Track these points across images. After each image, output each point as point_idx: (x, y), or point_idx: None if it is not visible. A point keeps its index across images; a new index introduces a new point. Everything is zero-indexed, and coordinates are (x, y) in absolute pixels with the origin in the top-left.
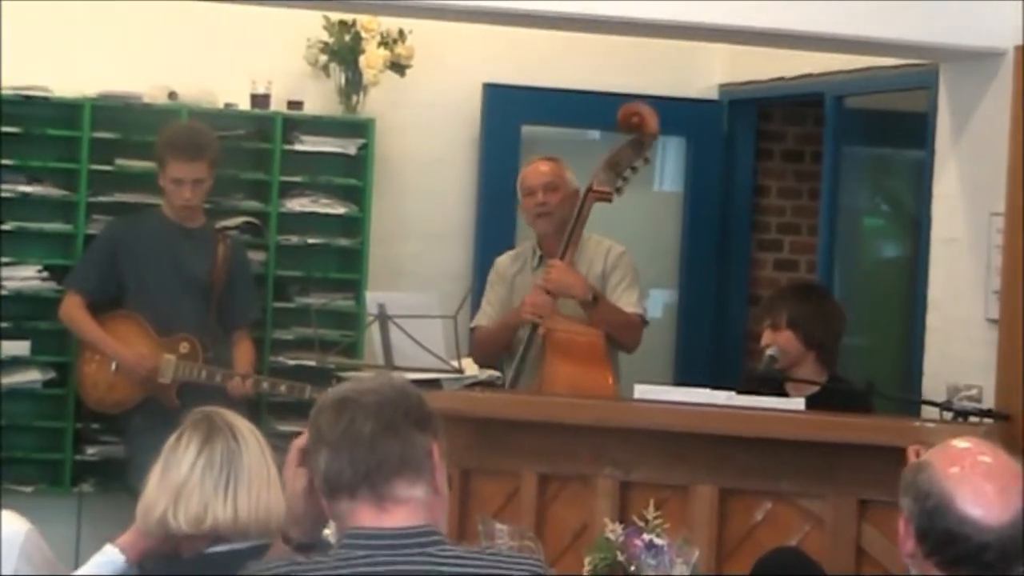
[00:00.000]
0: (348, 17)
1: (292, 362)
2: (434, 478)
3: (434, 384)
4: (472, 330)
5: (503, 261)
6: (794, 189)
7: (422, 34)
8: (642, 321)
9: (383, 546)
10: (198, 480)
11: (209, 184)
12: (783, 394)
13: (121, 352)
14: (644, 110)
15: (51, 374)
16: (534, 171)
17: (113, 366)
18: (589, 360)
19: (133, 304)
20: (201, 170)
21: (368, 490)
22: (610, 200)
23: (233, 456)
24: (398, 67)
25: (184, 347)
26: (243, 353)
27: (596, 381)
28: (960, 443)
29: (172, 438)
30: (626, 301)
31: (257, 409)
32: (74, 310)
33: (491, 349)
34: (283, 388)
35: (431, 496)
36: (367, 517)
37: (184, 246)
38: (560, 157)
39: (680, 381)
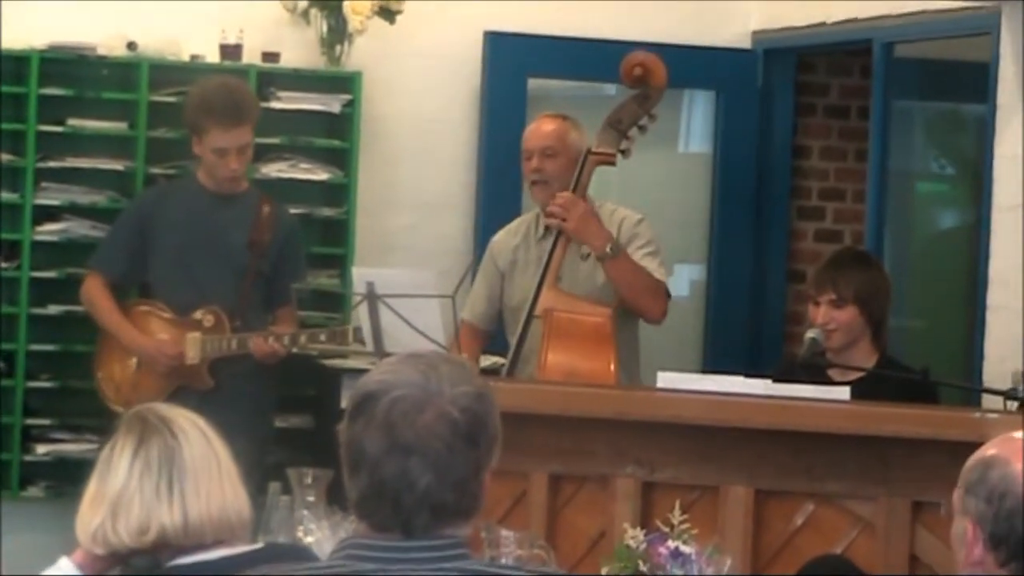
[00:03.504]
0: None
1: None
2: (480, 509)
3: None
4: (460, 323)
5: (499, 239)
6: (839, 149)
7: None
8: (666, 291)
9: (398, 560)
10: (137, 487)
11: (252, 147)
12: (827, 382)
13: (139, 341)
14: (648, 59)
15: None
16: (535, 131)
17: (134, 361)
18: (591, 343)
19: (153, 283)
20: (246, 135)
21: (404, 535)
22: (613, 163)
23: (172, 454)
24: (388, 13)
25: (208, 320)
26: (284, 324)
27: (593, 367)
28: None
29: (106, 447)
30: (648, 268)
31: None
32: (94, 292)
33: None
34: (323, 337)
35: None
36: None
37: (220, 216)
38: (570, 115)
39: (710, 368)
